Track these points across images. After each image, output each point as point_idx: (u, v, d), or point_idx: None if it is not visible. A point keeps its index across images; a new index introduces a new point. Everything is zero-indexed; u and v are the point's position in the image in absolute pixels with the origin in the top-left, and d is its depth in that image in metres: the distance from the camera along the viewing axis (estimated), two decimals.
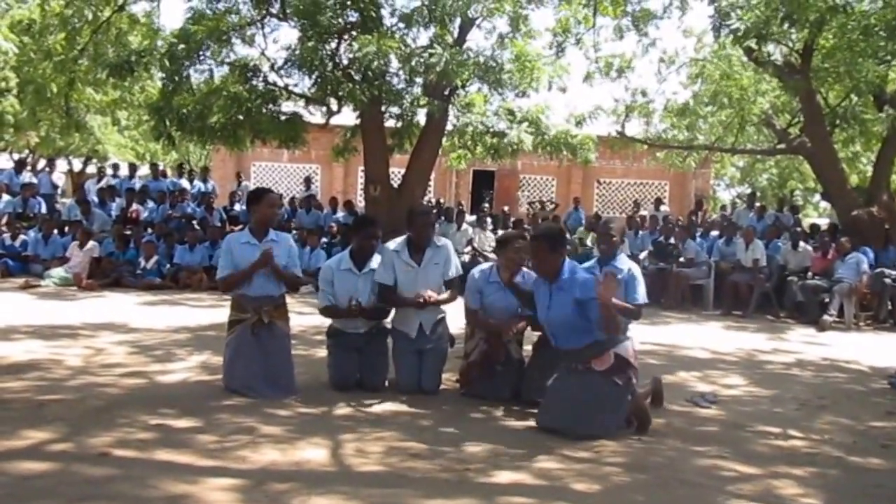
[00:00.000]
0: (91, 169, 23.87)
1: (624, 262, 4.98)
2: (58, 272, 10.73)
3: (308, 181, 16.97)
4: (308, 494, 3.10)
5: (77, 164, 27.41)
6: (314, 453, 3.68)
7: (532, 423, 4.36)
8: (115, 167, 16.04)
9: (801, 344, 8.33)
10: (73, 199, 13.45)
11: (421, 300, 4.92)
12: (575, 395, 4.17)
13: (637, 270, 4.98)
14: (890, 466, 3.93)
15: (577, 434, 4.06)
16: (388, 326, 5.25)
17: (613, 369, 4.17)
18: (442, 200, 17.06)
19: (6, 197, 13.18)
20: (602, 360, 4.18)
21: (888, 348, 7.45)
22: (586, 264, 5.09)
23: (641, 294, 4.86)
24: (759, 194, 27.32)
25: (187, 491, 3.09)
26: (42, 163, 24.44)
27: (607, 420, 4.18)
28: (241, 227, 12.10)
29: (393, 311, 5.22)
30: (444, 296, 5.06)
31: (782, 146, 13.71)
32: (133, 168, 15.77)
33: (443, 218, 12.93)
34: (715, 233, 12.53)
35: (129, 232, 11.81)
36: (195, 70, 11.60)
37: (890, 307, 10.30)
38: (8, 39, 9.89)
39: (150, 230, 12.14)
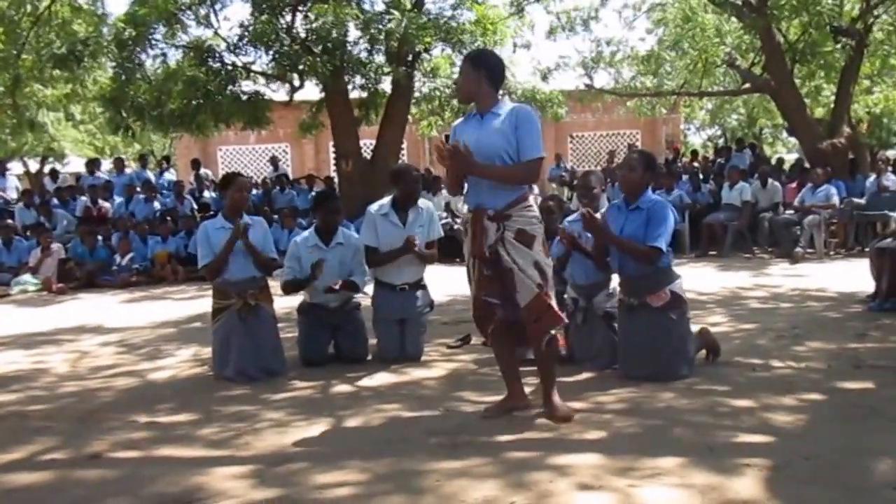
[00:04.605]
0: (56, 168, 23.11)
1: None
2: (26, 278, 10.44)
3: (275, 161, 16.75)
4: (319, 472, 3.12)
5: (33, 165, 26.74)
6: (318, 432, 3.70)
7: (525, 378, 4.43)
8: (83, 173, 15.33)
9: (776, 277, 8.59)
10: (22, 203, 12.93)
11: (411, 243, 4.97)
12: (643, 340, 4.28)
13: None
14: (862, 386, 4.09)
15: (659, 379, 4.20)
16: (360, 302, 5.33)
17: (669, 306, 4.27)
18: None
19: None
20: (658, 295, 4.27)
21: (857, 274, 7.68)
22: (569, 219, 5.12)
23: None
24: (728, 136, 27.48)
25: (199, 482, 3.09)
26: None
27: (680, 362, 4.30)
28: (212, 214, 11.96)
29: (371, 286, 5.30)
30: (430, 251, 5.13)
31: (747, 86, 13.81)
32: (92, 163, 15.31)
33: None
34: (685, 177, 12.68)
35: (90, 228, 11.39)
36: (147, 56, 11.35)
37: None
38: None
39: (117, 226, 11.81)
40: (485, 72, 3.70)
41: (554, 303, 3.66)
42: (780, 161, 14.38)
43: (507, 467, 3.08)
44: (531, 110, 3.77)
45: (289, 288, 5.23)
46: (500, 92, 3.85)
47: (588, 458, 3.12)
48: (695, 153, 17.58)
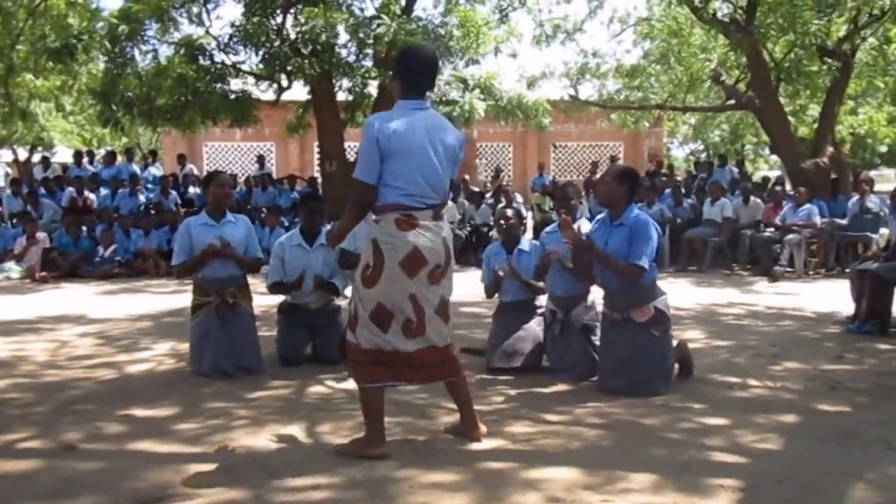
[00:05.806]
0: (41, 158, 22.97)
1: (584, 226, 5.02)
2: (10, 266, 10.48)
3: (261, 160, 16.71)
4: (291, 474, 3.12)
5: (22, 154, 26.55)
6: (292, 433, 3.69)
7: (500, 388, 4.46)
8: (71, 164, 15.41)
9: (755, 295, 8.60)
10: (10, 191, 12.95)
11: None
12: (624, 354, 4.29)
13: None
14: (838, 408, 4.11)
15: (636, 394, 4.21)
16: (340, 305, 5.34)
17: (652, 322, 4.28)
18: None
19: None
20: (642, 311, 4.28)
21: (836, 295, 7.74)
22: (547, 229, 5.14)
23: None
24: (711, 151, 27.70)
25: (171, 479, 3.08)
26: None
27: (658, 379, 4.32)
28: (195, 209, 11.93)
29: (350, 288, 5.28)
30: None
31: (731, 102, 13.93)
32: (80, 155, 15.24)
33: None
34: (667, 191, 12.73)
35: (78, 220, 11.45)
36: (139, 51, 11.37)
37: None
38: None
39: (102, 218, 11.81)
40: (395, 69, 3.29)
41: (361, 340, 3.33)
42: (766, 179, 14.47)
43: (480, 478, 3.09)
44: (366, 122, 3.21)
45: (274, 290, 5.26)
46: (428, 93, 3.30)
47: (562, 473, 3.13)
48: (671, 167, 17.68)
